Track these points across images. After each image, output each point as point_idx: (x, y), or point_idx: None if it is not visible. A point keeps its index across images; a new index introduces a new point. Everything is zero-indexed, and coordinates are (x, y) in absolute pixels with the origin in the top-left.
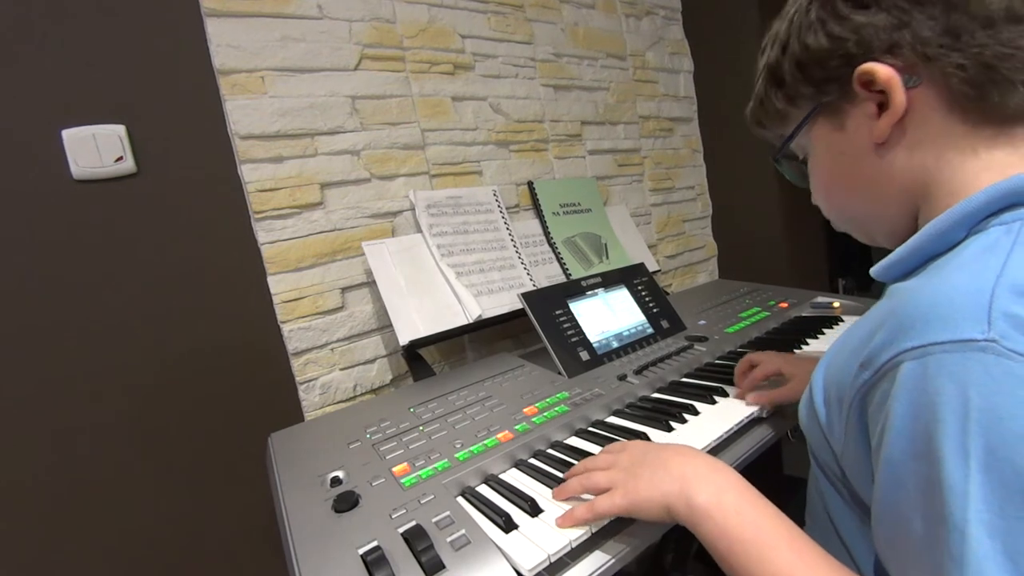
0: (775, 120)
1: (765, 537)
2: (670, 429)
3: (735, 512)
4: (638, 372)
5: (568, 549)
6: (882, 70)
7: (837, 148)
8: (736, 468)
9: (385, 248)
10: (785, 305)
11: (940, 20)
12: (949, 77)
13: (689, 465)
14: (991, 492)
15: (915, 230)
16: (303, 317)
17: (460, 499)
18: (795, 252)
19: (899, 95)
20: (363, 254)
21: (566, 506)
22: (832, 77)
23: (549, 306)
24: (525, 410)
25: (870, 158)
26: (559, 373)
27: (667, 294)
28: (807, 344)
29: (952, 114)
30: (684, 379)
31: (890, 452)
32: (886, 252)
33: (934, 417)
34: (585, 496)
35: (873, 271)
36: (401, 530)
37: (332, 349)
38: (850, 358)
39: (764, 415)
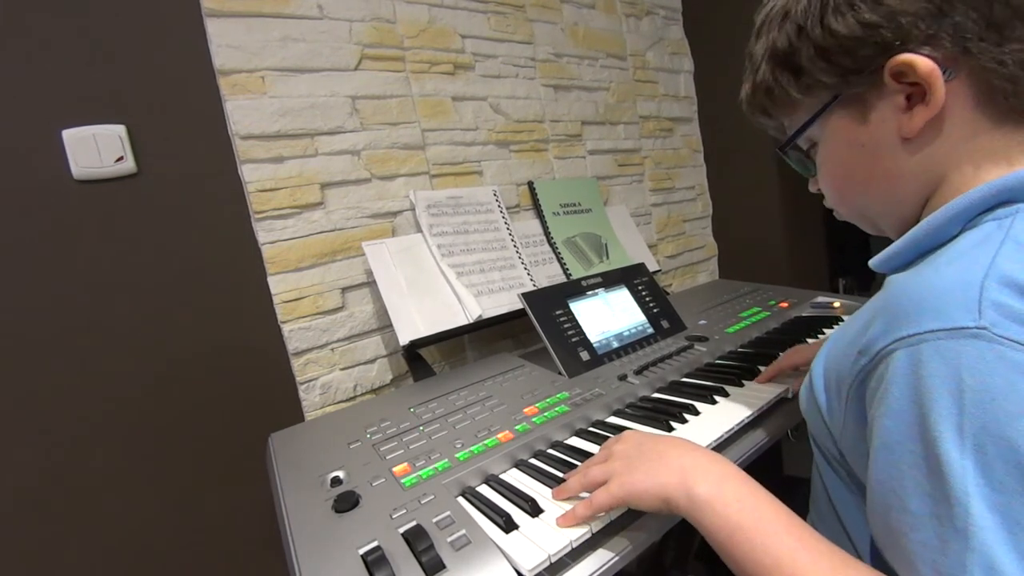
0: (783, 109)
1: (766, 525)
2: (670, 429)
3: (736, 501)
4: (638, 372)
5: (569, 549)
6: (923, 63)
7: (857, 140)
8: None
9: (385, 248)
10: (785, 305)
11: (983, 12)
12: (988, 73)
13: (688, 457)
14: (988, 468)
15: (921, 218)
16: (303, 317)
17: (460, 499)
18: (795, 252)
19: (939, 91)
20: (363, 254)
21: (567, 506)
22: (861, 67)
23: (549, 306)
24: (525, 410)
25: (892, 152)
26: (559, 373)
27: (667, 294)
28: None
29: (979, 109)
30: (684, 379)
31: (887, 435)
32: (887, 246)
33: (930, 400)
34: (584, 494)
35: (872, 262)
36: (401, 530)
37: (332, 349)
38: (848, 346)
39: (791, 396)
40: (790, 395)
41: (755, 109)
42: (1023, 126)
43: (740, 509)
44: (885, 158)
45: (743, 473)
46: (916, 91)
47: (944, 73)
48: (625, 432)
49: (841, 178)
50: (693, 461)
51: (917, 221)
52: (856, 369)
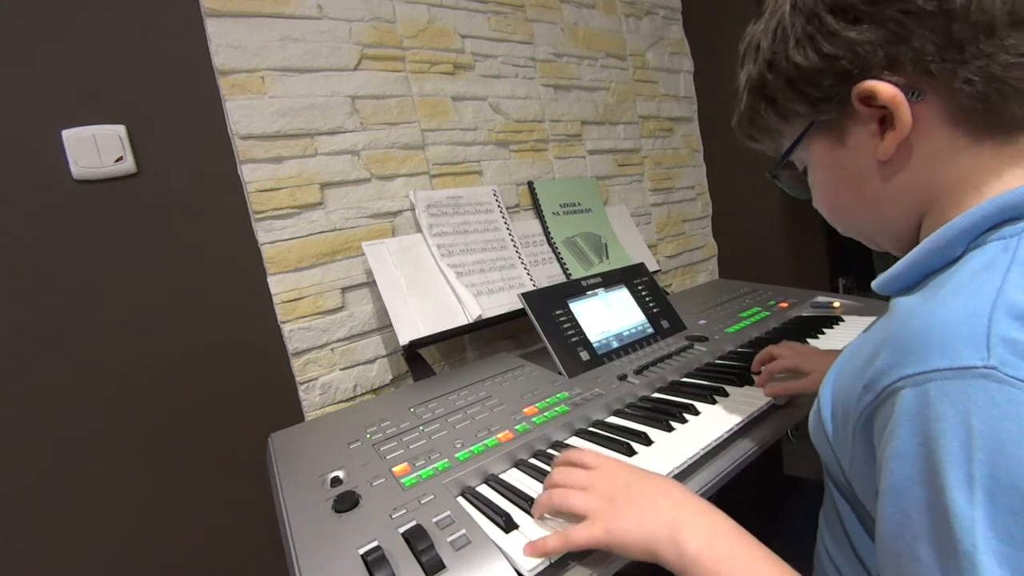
0: (768, 135)
1: None
2: (670, 429)
3: (728, 558)
4: (638, 372)
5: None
6: (885, 89)
7: (839, 164)
8: (736, 468)
9: (385, 248)
10: (785, 305)
11: (941, 32)
12: (955, 92)
13: (679, 508)
14: (998, 519)
15: (919, 237)
16: (303, 317)
17: (460, 499)
18: (795, 252)
19: (904, 114)
20: (363, 254)
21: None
22: (828, 96)
23: (549, 306)
24: (525, 410)
25: (873, 174)
26: (559, 373)
27: (667, 294)
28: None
29: (957, 127)
30: (684, 379)
31: (893, 479)
32: (888, 256)
33: (937, 444)
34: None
35: (874, 285)
36: (401, 530)
37: (332, 349)
38: (855, 377)
39: (781, 403)
40: (781, 403)
41: (744, 136)
42: (1009, 140)
43: (732, 566)
44: (868, 180)
45: (737, 526)
46: (887, 114)
47: (911, 95)
48: (609, 461)
49: (831, 200)
50: (684, 513)
51: (913, 238)
52: (861, 406)
